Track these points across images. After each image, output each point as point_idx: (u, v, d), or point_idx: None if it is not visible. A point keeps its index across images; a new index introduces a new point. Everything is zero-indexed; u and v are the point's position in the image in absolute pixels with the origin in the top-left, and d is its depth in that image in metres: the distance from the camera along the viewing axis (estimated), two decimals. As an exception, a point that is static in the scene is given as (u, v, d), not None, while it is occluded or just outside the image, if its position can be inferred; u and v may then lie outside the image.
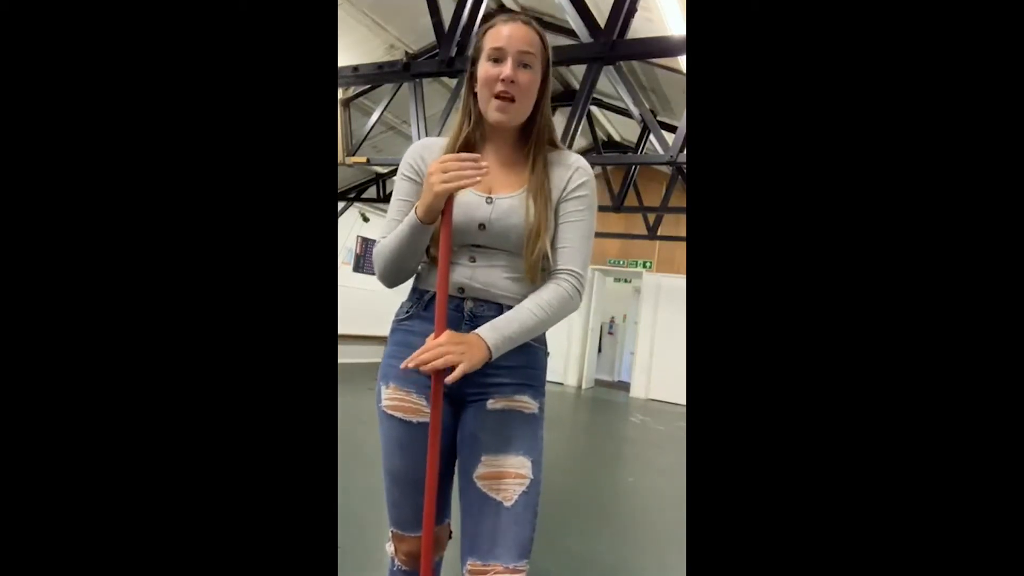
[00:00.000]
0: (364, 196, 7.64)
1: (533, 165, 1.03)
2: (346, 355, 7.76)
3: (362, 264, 8.31)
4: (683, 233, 7.73)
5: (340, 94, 5.52)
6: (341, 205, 7.59)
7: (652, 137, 4.03)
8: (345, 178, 7.32)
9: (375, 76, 4.25)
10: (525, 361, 1.03)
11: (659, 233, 7.74)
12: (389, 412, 1.04)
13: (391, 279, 1.06)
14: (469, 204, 0.99)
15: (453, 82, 5.03)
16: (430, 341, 0.93)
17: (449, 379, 0.89)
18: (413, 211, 0.96)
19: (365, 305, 7.85)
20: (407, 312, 1.08)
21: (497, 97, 0.99)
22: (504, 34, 0.99)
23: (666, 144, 3.82)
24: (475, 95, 1.04)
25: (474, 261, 1.01)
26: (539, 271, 1.01)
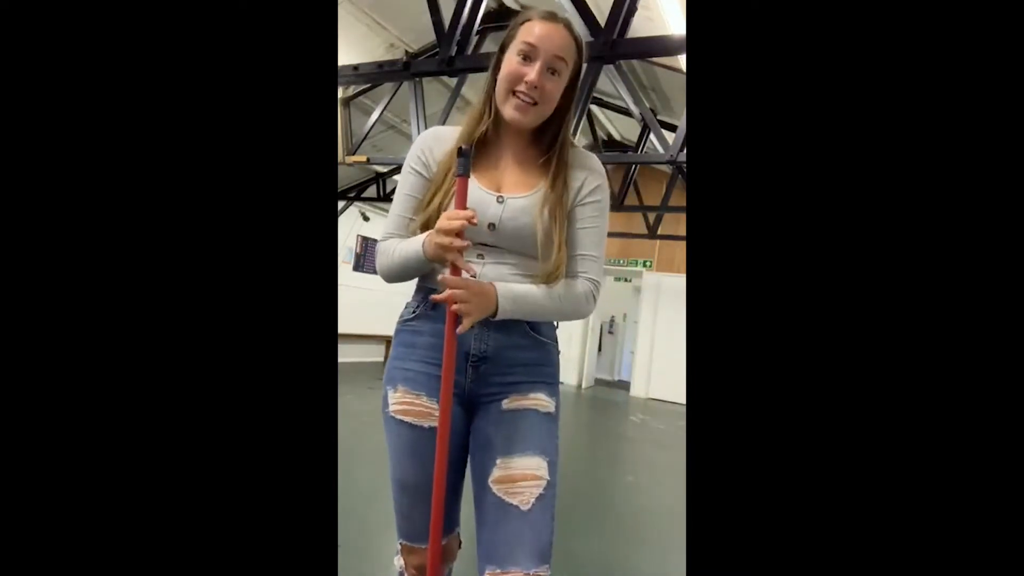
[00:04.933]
0: (364, 195, 7.63)
1: (554, 178, 0.98)
2: (346, 354, 7.76)
3: (362, 263, 8.30)
4: (683, 232, 7.72)
5: (340, 93, 5.52)
6: (341, 204, 7.58)
7: (652, 136, 4.03)
8: (345, 177, 7.31)
9: (375, 75, 4.26)
10: (539, 358, 1.01)
11: (659, 232, 7.74)
12: (398, 417, 0.99)
13: (394, 281, 1.04)
14: (479, 202, 0.95)
15: (453, 81, 5.02)
16: (452, 274, 0.91)
17: (459, 330, 0.90)
18: (422, 246, 0.93)
19: (365, 304, 7.85)
20: (413, 312, 1.03)
21: (516, 95, 0.95)
22: (537, 32, 0.94)
23: (666, 143, 3.82)
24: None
25: (482, 258, 0.98)
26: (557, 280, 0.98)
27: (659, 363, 8.22)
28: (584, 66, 1.01)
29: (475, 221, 0.89)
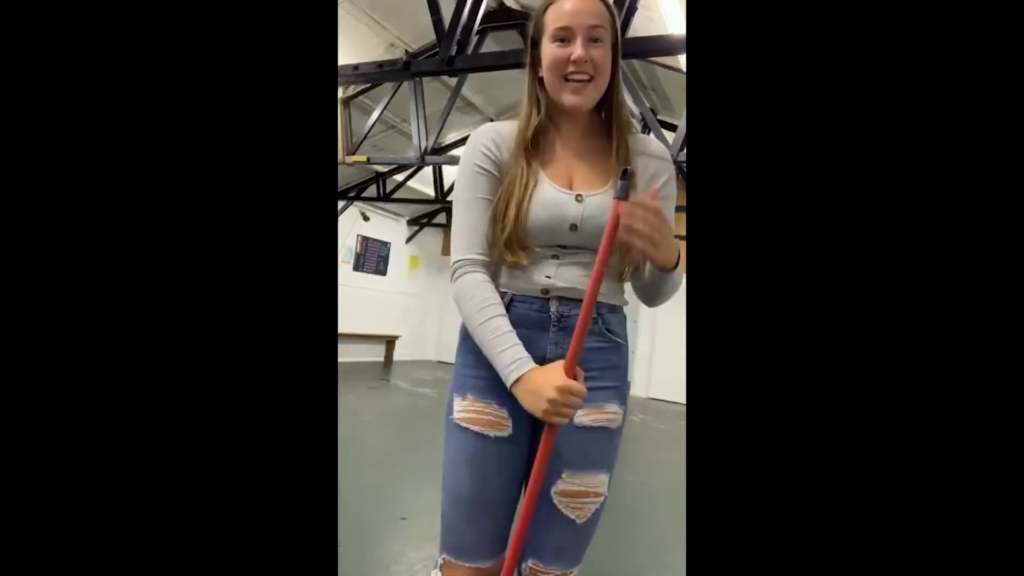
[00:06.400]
0: (364, 195, 7.64)
1: (617, 155, 0.96)
2: (346, 354, 7.76)
3: (362, 263, 8.30)
4: (683, 232, 7.72)
5: (340, 93, 5.52)
6: (341, 204, 7.58)
7: (652, 136, 4.03)
8: (345, 177, 7.31)
9: (375, 75, 4.25)
10: (613, 360, 0.98)
11: (659, 232, 7.73)
12: (464, 424, 0.96)
13: None
14: (557, 203, 0.91)
15: (453, 81, 5.03)
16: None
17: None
18: (509, 382, 0.88)
19: (365, 304, 7.85)
20: None
21: (569, 79, 0.92)
22: (567, 10, 0.91)
23: (666, 143, 3.82)
24: (540, 79, 0.96)
25: (557, 259, 0.94)
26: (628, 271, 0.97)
27: (659, 363, 8.22)
28: (620, 36, 0.96)
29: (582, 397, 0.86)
